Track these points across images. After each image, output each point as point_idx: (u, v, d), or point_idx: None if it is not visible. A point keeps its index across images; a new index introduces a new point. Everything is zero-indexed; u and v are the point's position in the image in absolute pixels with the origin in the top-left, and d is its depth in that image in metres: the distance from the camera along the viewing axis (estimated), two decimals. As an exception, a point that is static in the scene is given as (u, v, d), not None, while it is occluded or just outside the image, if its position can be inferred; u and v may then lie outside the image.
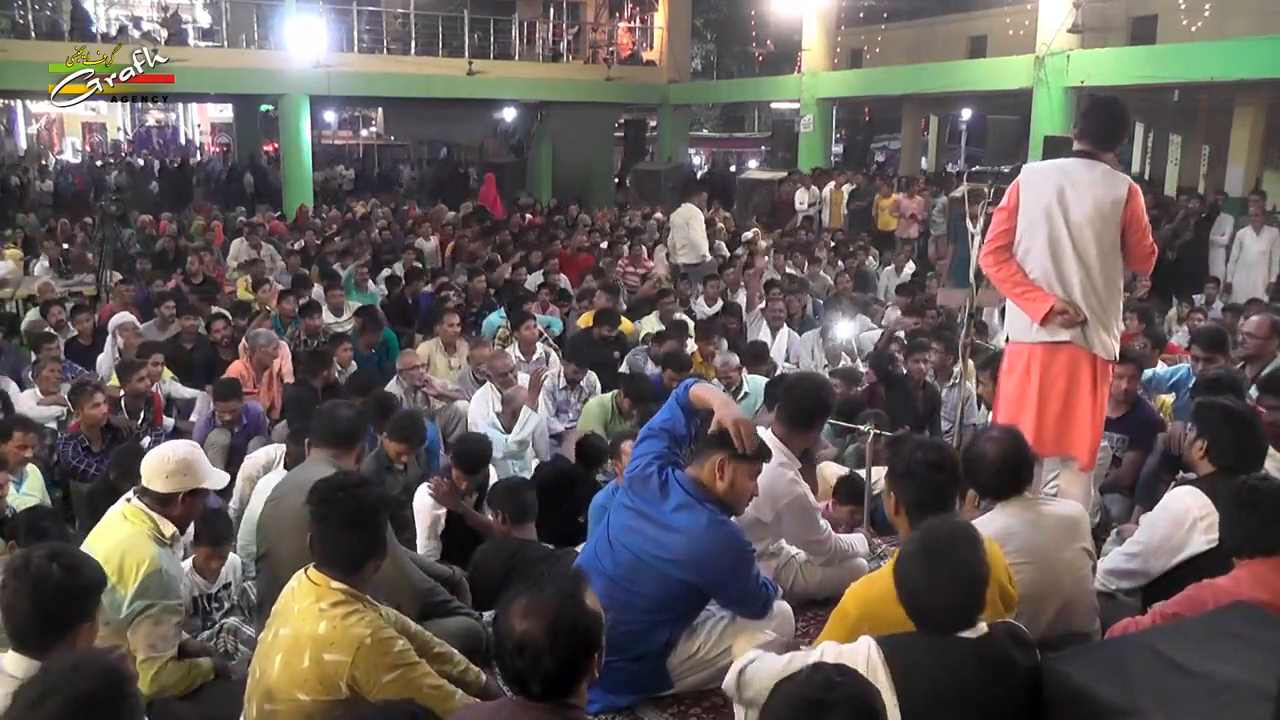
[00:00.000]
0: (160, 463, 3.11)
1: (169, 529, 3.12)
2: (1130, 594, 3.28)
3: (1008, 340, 3.85)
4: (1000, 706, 2.16)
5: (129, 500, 3.14)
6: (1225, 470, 3.15)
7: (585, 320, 8.08)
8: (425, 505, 4.35)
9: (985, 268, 3.78)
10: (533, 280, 10.17)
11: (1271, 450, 3.83)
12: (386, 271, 10.59)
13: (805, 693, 1.71)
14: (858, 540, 3.84)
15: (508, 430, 5.68)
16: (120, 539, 3.01)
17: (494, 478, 4.94)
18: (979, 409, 5.72)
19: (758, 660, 2.46)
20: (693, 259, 10.53)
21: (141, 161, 26.73)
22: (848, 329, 7.77)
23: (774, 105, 22.67)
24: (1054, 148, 8.96)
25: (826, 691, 1.70)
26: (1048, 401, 3.61)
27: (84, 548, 2.99)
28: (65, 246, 11.98)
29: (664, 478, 3.03)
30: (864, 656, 2.22)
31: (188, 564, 3.80)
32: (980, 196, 9.23)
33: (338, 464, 3.30)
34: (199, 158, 29.05)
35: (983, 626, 2.24)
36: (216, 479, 3.27)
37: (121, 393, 5.93)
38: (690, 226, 10.54)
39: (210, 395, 6.57)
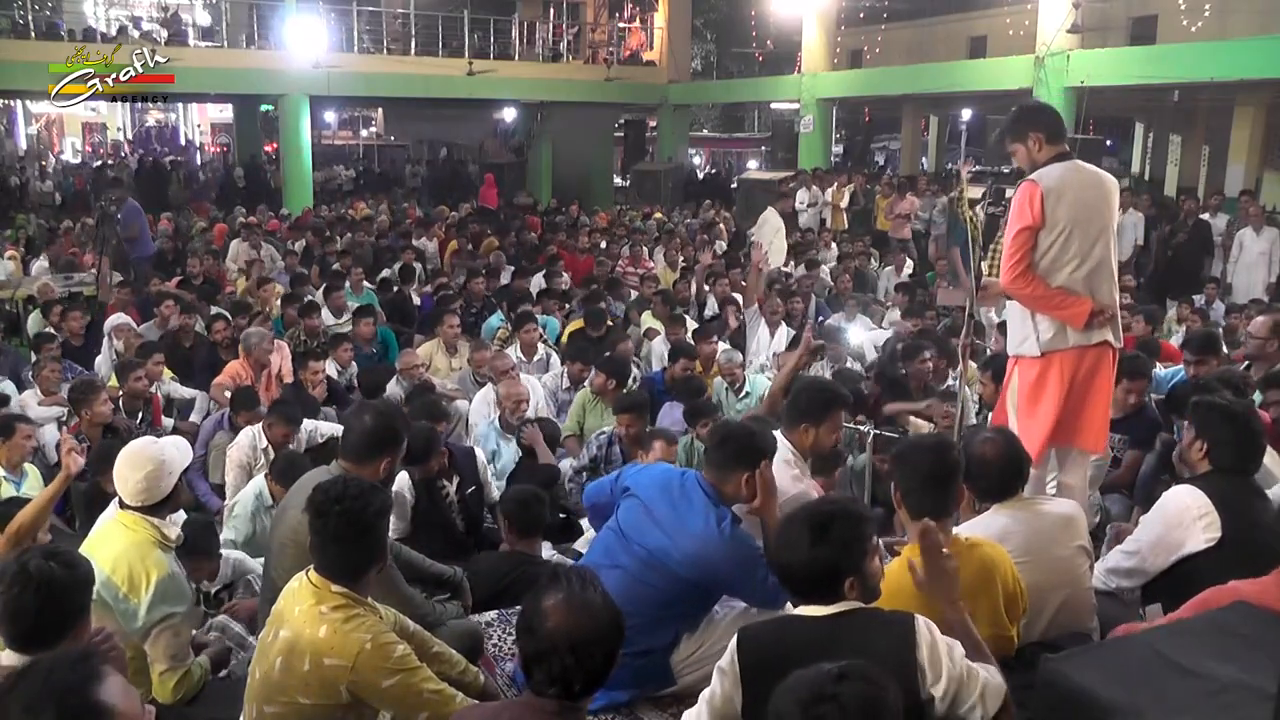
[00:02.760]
0: (148, 471, 3.04)
1: (172, 531, 3.10)
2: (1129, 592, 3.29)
3: (1041, 355, 3.66)
4: None
5: (121, 508, 3.08)
6: (1223, 470, 3.16)
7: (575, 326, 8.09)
8: (399, 486, 4.37)
9: (1015, 290, 3.63)
10: (535, 282, 10.19)
11: (1272, 450, 3.85)
12: (386, 272, 10.60)
13: (812, 681, 1.73)
14: None
15: (508, 430, 5.66)
16: (125, 547, 2.97)
17: (482, 463, 4.97)
18: (976, 410, 5.72)
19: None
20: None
21: (136, 162, 26.70)
22: (855, 333, 7.73)
23: (774, 105, 22.68)
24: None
25: (835, 684, 1.71)
26: (1071, 398, 3.67)
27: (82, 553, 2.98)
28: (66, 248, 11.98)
29: (683, 478, 3.07)
30: (729, 652, 2.32)
31: None
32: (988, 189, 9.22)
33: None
34: (197, 158, 29.02)
35: (846, 605, 2.25)
36: (184, 454, 3.20)
37: (120, 393, 5.93)
38: (760, 233, 10.64)
39: (209, 396, 6.58)
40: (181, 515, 3.57)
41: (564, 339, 7.94)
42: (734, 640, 2.33)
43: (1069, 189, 3.58)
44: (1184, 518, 3.06)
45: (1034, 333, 3.65)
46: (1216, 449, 3.21)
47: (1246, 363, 5.32)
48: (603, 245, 12.66)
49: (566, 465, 5.44)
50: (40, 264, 11.14)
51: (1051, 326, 3.64)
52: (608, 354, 6.74)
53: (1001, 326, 7.03)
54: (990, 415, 4.83)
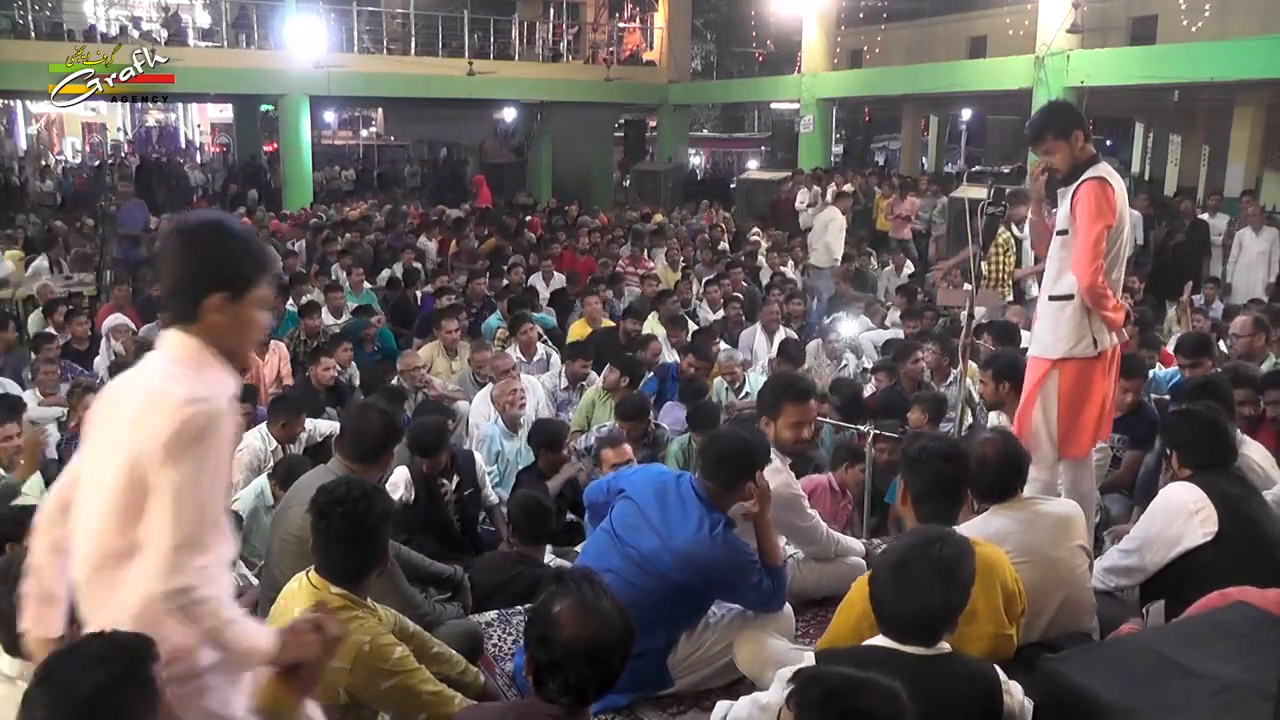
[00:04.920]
0: None
1: None
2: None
3: (1097, 355, 3.65)
4: None
5: None
6: (1203, 468, 3.17)
7: (579, 330, 8.07)
8: (395, 479, 4.38)
9: (1097, 290, 3.52)
10: (534, 280, 10.19)
11: (1269, 452, 3.85)
12: (386, 273, 10.59)
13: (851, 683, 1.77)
14: (853, 542, 3.85)
15: (511, 428, 5.65)
16: None
17: (480, 468, 4.96)
18: (980, 409, 5.71)
19: (731, 711, 2.46)
20: (824, 262, 10.58)
21: (138, 162, 26.69)
22: (850, 328, 7.79)
23: (774, 105, 22.66)
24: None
25: (861, 684, 1.75)
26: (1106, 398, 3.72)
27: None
28: (65, 249, 11.96)
29: (678, 481, 3.07)
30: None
31: None
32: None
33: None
34: (198, 157, 28.99)
35: (944, 647, 2.23)
36: None
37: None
38: (827, 231, 10.63)
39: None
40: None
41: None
42: (811, 659, 2.28)
43: (1121, 187, 3.59)
44: (1181, 513, 3.07)
45: (1090, 333, 3.62)
46: (1185, 451, 3.23)
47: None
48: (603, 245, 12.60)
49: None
50: (38, 263, 11.06)
51: (1103, 325, 3.63)
52: (628, 352, 6.74)
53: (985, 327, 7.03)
54: (990, 415, 4.84)
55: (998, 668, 2.31)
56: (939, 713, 2.10)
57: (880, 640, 2.25)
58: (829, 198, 11.83)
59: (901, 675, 2.14)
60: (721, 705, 2.52)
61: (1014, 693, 2.28)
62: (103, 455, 1.83)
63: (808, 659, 2.32)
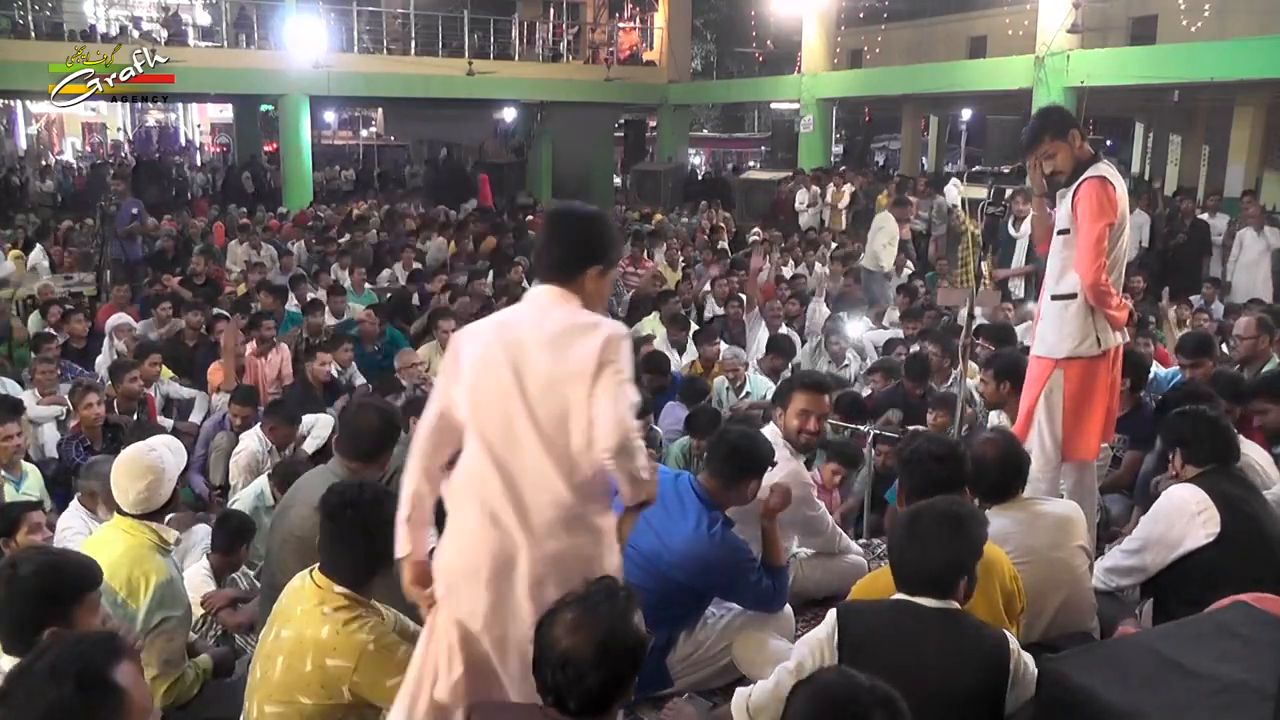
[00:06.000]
0: (149, 481, 2.99)
1: (170, 535, 3.07)
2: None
3: (1101, 354, 3.62)
4: (946, 676, 2.19)
5: (119, 514, 3.04)
6: (1207, 466, 3.17)
7: None
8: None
9: (1101, 287, 3.50)
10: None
11: (1266, 453, 3.85)
12: (386, 272, 10.58)
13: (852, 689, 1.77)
14: (850, 542, 3.87)
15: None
16: (123, 552, 2.92)
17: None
18: (980, 408, 5.71)
19: (755, 690, 2.47)
20: (870, 267, 10.54)
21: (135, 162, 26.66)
22: (855, 329, 7.77)
23: (774, 105, 22.69)
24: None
25: (862, 691, 1.75)
26: (1110, 392, 3.70)
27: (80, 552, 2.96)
28: (64, 247, 11.96)
29: (676, 481, 3.08)
30: (828, 627, 2.34)
31: (203, 566, 3.81)
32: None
33: (357, 476, 3.13)
34: (198, 157, 28.97)
35: (953, 603, 2.30)
36: (180, 457, 3.16)
37: (115, 393, 5.91)
38: (875, 238, 10.53)
39: (209, 396, 6.58)
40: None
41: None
42: (832, 616, 2.37)
43: (1123, 186, 3.57)
44: (1184, 514, 3.06)
45: (1094, 331, 3.60)
46: (1189, 449, 3.22)
47: (1239, 364, 5.32)
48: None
49: None
50: (37, 261, 11.02)
51: (1107, 323, 3.62)
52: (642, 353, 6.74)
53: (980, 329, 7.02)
54: (991, 415, 4.84)
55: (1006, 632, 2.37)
56: (950, 661, 2.18)
57: (897, 596, 2.36)
58: (831, 199, 11.75)
59: (915, 625, 2.25)
60: (742, 690, 2.52)
61: (1024, 654, 2.33)
62: (528, 389, 2.19)
63: (828, 619, 2.38)
